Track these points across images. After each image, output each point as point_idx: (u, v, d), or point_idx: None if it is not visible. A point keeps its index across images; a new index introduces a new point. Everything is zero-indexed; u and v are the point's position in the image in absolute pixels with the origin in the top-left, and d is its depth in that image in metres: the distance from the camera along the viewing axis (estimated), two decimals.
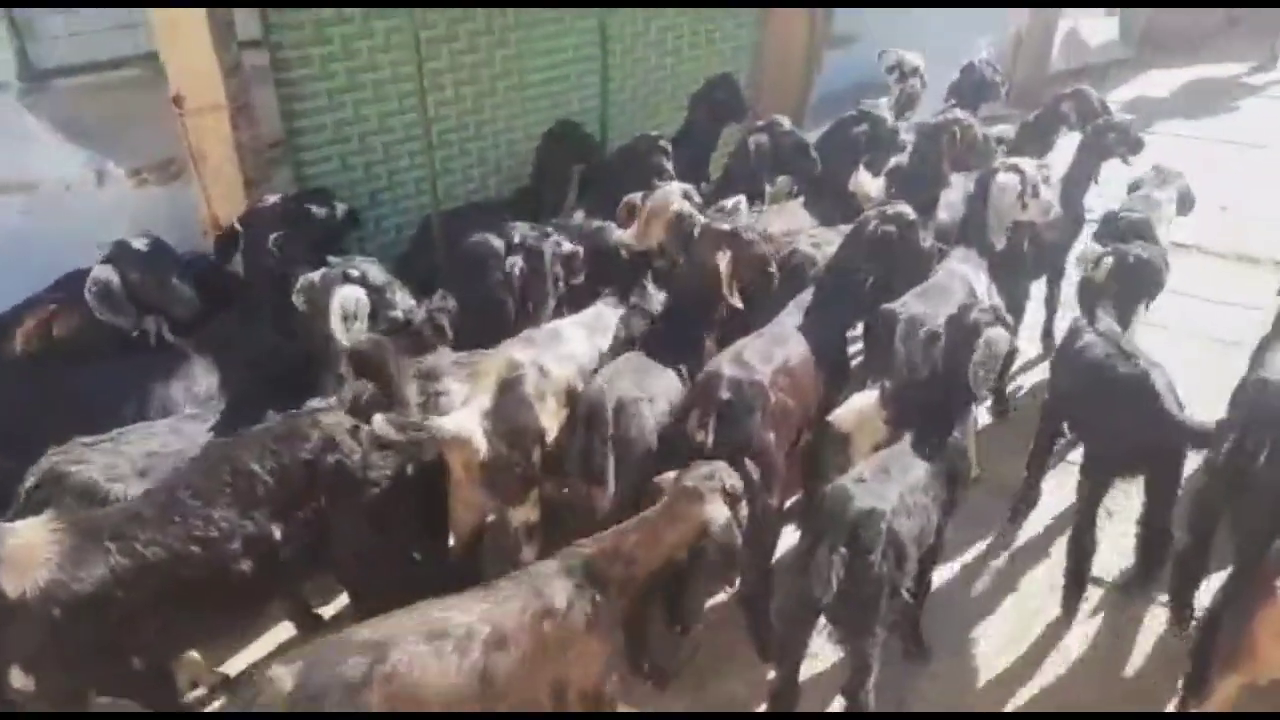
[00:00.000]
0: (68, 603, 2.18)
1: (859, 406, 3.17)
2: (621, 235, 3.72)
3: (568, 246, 3.59)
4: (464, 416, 2.78)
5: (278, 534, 2.44)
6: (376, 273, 3.12)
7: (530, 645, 2.21)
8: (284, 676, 2.00)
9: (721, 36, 5.67)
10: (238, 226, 3.54)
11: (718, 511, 2.38)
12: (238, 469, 2.42)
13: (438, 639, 2.12)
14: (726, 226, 3.36)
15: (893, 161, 4.61)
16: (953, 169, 4.27)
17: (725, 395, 2.85)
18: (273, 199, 3.61)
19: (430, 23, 4.16)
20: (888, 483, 2.64)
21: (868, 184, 4.50)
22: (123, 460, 2.68)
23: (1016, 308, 4.28)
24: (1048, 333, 4.85)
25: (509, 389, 2.85)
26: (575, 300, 3.56)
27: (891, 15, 6.83)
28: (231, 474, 2.41)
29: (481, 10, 4.35)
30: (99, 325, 3.25)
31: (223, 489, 2.38)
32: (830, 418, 3.19)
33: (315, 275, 3.05)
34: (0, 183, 3.82)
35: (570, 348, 3.15)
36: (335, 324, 2.92)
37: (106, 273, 3.19)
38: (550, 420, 2.94)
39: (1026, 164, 3.84)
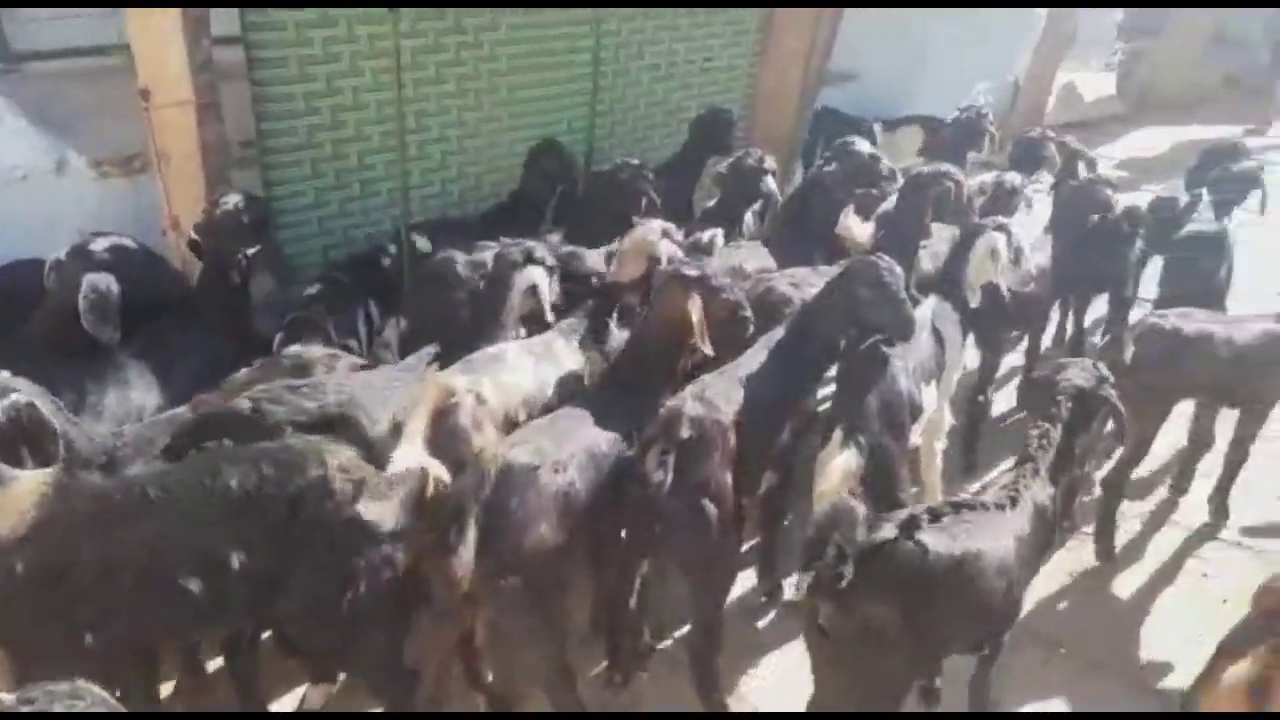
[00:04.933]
0: (28, 558, 2.08)
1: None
2: (595, 262, 3.63)
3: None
4: (407, 453, 2.65)
5: (234, 564, 2.18)
6: (546, 254, 3.39)
7: None
8: None
9: (716, 66, 5.63)
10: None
11: None
12: (217, 481, 2.20)
13: None
14: (694, 272, 3.06)
15: (882, 208, 4.55)
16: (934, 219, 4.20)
17: (686, 433, 2.74)
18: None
19: (417, 32, 4.09)
20: None
21: (857, 229, 4.42)
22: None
23: (993, 361, 4.25)
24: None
25: (443, 419, 2.73)
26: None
27: (891, 55, 6.81)
28: (210, 483, 2.20)
29: (471, 23, 4.28)
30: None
31: (193, 495, 2.19)
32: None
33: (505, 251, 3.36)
34: None
35: (515, 375, 3.03)
36: (515, 300, 3.28)
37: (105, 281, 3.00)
38: None
39: (1012, 224, 3.79)
